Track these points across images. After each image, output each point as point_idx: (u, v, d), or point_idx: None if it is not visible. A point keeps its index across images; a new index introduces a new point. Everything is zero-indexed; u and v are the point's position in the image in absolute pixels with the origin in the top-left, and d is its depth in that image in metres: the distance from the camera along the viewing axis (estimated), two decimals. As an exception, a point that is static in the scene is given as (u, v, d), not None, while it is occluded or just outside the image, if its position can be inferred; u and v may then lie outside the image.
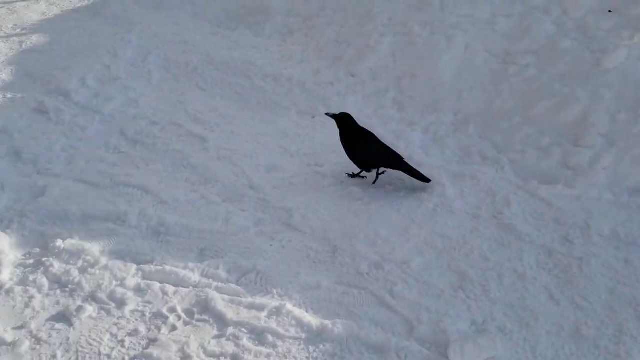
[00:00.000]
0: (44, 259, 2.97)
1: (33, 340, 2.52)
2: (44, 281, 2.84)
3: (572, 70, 4.32)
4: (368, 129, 3.88)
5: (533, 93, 4.34)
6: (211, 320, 2.68)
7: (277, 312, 2.71)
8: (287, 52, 5.78)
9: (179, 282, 2.91)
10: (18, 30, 5.93)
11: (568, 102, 4.18)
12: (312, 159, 4.10)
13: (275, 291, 2.87)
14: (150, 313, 2.71)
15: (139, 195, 3.61)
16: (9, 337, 2.51)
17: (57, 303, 2.73)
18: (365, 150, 3.78)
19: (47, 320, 2.64)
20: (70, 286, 2.82)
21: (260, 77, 5.30)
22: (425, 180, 3.73)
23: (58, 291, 2.80)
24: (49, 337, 2.54)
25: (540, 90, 4.33)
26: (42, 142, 4.00)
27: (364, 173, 3.88)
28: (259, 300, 2.79)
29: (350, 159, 3.82)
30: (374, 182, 3.85)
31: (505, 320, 2.76)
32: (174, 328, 2.63)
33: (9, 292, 2.77)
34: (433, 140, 4.31)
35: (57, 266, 2.92)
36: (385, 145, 3.84)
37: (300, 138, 4.36)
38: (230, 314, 2.70)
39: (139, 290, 2.83)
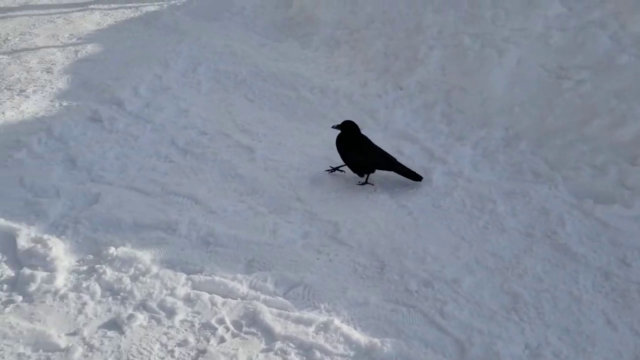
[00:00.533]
0: (97, 266, 3.02)
1: (85, 347, 2.55)
2: (97, 288, 2.89)
3: (629, 87, 4.19)
4: (367, 137, 3.97)
5: (588, 109, 4.22)
6: (259, 334, 2.68)
7: (325, 327, 2.69)
8: (334, 64, 5.79)
9: (228, 293, 2.92)
10: (74, 40, 6.12)
11: (625, 119, 4.04)
12: (359, 172, 4.07)
13: (322, 306, 2.85)
14: (199, 323, 2.72)
15: (189, 204, 3.65)
16: (63, 342, 2.55)
17: (109, 310, 2.77)
18: (361, 156, 3.86)
19: (99, 327, 2.67)
20: (122, 294, 2.86)
21: (307, 88, 5.32)
22: (418, 178, 3.85)
23: (110, 298, 2.84)
24: (101, 344, 2.57)
25: (596, 106, 4.20)
26: (96, 150, 4.09)
27: (343, 168, 3.98)
28: (306, 314, 2.77)
29: (346, 163, 3.92)
30: (363, 184, 3.92)
31: (561, 345, 2.67)
32: (222, 340, 2.63)
33: (63, 297, 2.82)
34: (483, 156, 4.23)
35: (109, 273, 2.97)
36: (382, 151, 3.91)
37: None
38: (278, 327, 2.69)
39: (188, 300, 2.85)
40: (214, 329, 2.69)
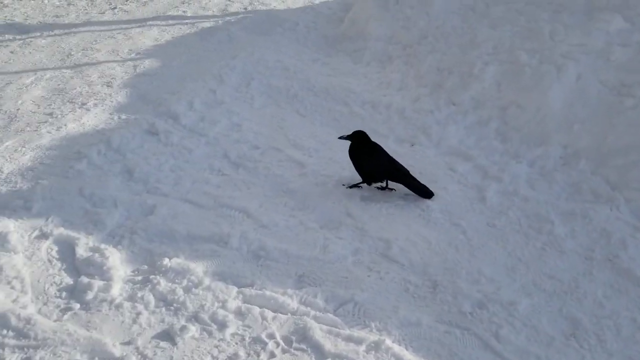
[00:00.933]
0: (151, 277, 3.08)
1: (139, 356, 2.59)
2: (151, 298, 2.94)
3: (697, 104, 4.00)
4: (379, 144, 3.99)
5: (653, 128, 4.05)
6: (309, 350, 2.66)
7: (376, 347, 2.64)
8: (386, 79, 5.76)
9: (278, 308, 2.91)
10: (133, 55, 6.32)
11: (692, 138, 3.86)
12: (411, 188, 4.02)
13: (373, 325, 2.81)
14: (249, 337, 2.72)
15: (241, 217, 3.68)
16: (117, 352, 2.60)
17: (163, 321, 2.81)
18: (371, 163, 3.87)
19: (153, 337, 2.72)
20: (175, 305, 2.90)
21: (358, 104, 5.31)
22: (428, 195, 3.81)
23: (163, 309, 2.88)
24: (154, 354, 2.61)
25: (661, 125, 4.03)
26: (152, 162, 4.19)
27: (362, 185, 4.00)
28: (357, 333, 2.74)
29: (357, 171, 3.93)
30: (383, 189, 3.97)
31: (625, 376, 2.54)
32: (272, 355, 2.63)
33: (118, 307, 2.88)
34: (540, 174, 4.11)
35: (163, 284, 3.02)
36: (392, 159, 3.91)
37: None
38: (328, 345, 2.66)
39: (239, 314, 2.86)
40: (264, 344, 2.69)
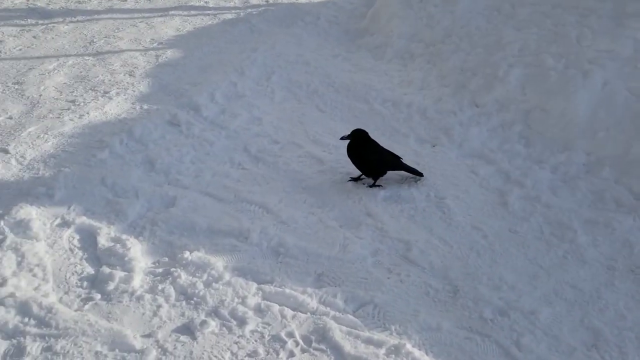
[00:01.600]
0: (172, 269, 3.08)
1: (159, 350, 2.60)
2: (172, 291, 2.94)
3: None
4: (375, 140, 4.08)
5: (680, 138, 3.99)
6: (328, 351, 2.65)
7: (396, 351, 2.63)
8: (407, 77, 5.73)
9: (298, 307, 2.91)
10: (155, 45, 6.33)
11: None
12: (432, 190, 3.99)
13: (393, 328, 2.79)
14: (269, 335, 2.72)
15: (260, 213, 3.68)
16: (138, 344, 2.61)
17: (183, 315, 2.82)
18: (377, 158, 3.98)
19: (173, 331, 2.72)
20: (195, 299, 2.90)
21: (379, 101, 5.28)
22: (420, 174, 4.04)
23: (184, 303, 2.89)
24: (174, 348, 2.61)
25: (689, 135, 3.97)
26: (174, 153, 4.19)
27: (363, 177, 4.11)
28: (377, 335, 2.72)
29: (360, 168, 4.01)
30: (372, 186, 4.01)
31: (647, 391, 2.51)
32: (291, 354, 2.62)
33: (139, 298, 2.89)
34: (563, 181, 4.06)
35: (184, 278, 3.02)
36: (387, 150, 4.06)
37: (419, 167, 4.26)
38: (347, 346, 2.65)
39: (259, 311, 2.85)
40: (283, 342, 2.69)
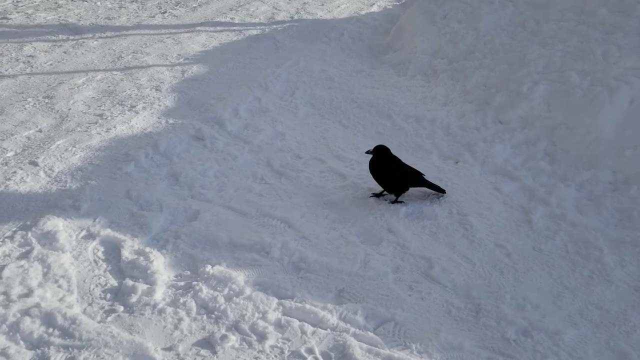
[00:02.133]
0: (193, 283, 3.11)
1: (180, 363, 2.62)
2: (193, 305, 2.96)
3: None
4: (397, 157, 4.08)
5: None
6: (348, 368, 2.63)
7: (417, 369, 2.61)
8: (430, 93, 5.72)
9: (318, 323, 2.90)
10: (181, 60, 6.44)
11: None
12: (454, 206, 3.96)
13: (414, 346, 2.77)
14: (288, 351, 2.72)
15: (282, 228, 3.69)
16: (159, 357, 2.63)
17: (203, 329, 2.83)
18: (399, 175, 3.99)
19: (193, 344, 2.74)
20: (216, 313, 2.92)
21: (402, 117, 5.28)
22: (443, 191, 4.03)
23: (205, 316, 2.90)
24: (195, 362, 2.63)
25: None
26: (198, 167, 4.24)
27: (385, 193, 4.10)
28: (397, 354, 2.70)
29: (381, 183, 4.01)
30: (394, 202, 4.02)
31: (676, 418, 2.44)
32: (311, 371, 2.62)
33: (161, 311, 2.91)
34: (588, 199, 4.00)
35: (205, 291, 3.04)
36: (410, 167, 4.06)
37: (442, 183, 4.24)
38: (367, 364, 2.64)
39: (279, 326, 2.86)
40: (303, 358, 2.68)
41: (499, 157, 4.50)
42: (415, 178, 4.02)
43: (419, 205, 3.94)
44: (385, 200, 4.05)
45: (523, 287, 3.19)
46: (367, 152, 4.03)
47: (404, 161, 4.09)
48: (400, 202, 4.03)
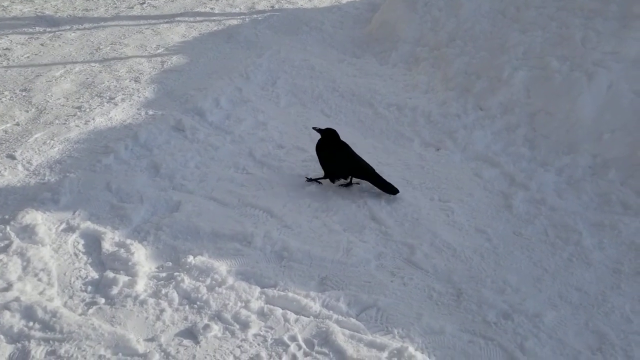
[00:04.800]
0: (175, 274, 3.09)
1: (162, 354, 2.60)
2: (175, 296, 2.95)
3: None
4: (347, 144, 4.07)
5: (687, 140, 3.96)
6: (331, 354, 2.64)
7: (399, 354, 2.62)
8: (412, 81, 5.73)
9: (300, 310, 2.90)
10: (160, 50, 6.37)
11: None
12: (436, 193, 3.99)
13: (396, 331, 2.78)
14: (271, 339, 2.72)
15: (264, 217, 3.68)
16: (141, 348, 2.62)
17: (186, 319, 2.82)
18: (336, 162, 3.99)
19: (176, 335, 2.72)
20: (198, 303, 2.91)
21: (383, 105, 5.28)
22: (393, 191, 3.86)
23: (187, 307, 2.89)
24: (177, 352, 2.62)
25: (696, 137, 3.94)
26: (178, 158, 4.21)
27: (322, 180, 4.10)
28: (379, 339, 2.72)
29: (322, 167, 4.05)
30: (347, 185, 4.06)
31: (653, 395, 2.49)
32: (294, 358, 2.62)
33: (142, 303, 2.89)
34: (568, 184, 4.05)
35: (187, 282, 3.03)
36: (357, 159, 3.99)
37: (423, 170, 4.27)
38: (350, 350, 2.65)
39: (262, 315, 2.85)
40: (286, 346, 2.68)
41: (480, 143, 4.53)
42: (356, 169, 3.96)
43: (401, 192, 3.95)
44: (348, 185, 4.08)
45: (503, 271, 3.23)
46: (315, 129, 4.10)
47: (382, 150, 4.08)
48: (352, 184, 4.06)
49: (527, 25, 5.40)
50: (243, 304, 2.92)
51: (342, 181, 4.08)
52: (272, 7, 8.15)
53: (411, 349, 2.63)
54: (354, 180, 4.08)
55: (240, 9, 8.04)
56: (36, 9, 7.70)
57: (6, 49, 6.32)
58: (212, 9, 7.95)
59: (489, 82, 5.03)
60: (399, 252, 3.40)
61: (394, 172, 4.24)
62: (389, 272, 3.23)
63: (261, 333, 2.76)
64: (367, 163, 4.00)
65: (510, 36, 5.35)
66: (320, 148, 4.07)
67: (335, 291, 3.05)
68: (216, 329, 2.76)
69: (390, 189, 3.88)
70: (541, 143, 4.42)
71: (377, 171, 3.97)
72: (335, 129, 4.14)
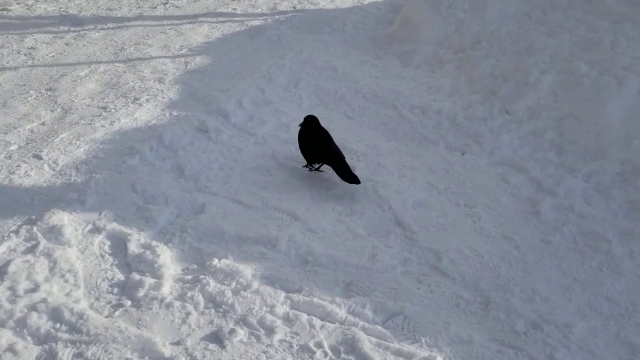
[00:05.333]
0: (200, 277, 3.08)
1: (188, 358, 2.60)
2: (200, 299, 2.94)
3: None
4: (325, 131, 4.19)
5: None
6: (357, 362, 2.62)
7: (427, 363, 2.59)
8: (436, 83, 5.67)
9: (326, 316, 2.88)
10: (184, 51, 6.38)
11: None
12: (461, 198, 3.94)
13: (423, 340, 2.75)
14: (297, 345, 2.70)
15: (288, 220, 3.66)
16: (167, 352, 2.61)
17: (211, 323, 2.81)
18: (312, 144, 4.09)
19: (202, 339, 2.72)
20: (224, 307, 2.90)
21: (407, 108, 5.23)
22: (353, 181, 3.86)
23: (212, 310, 2.88)
24: (203, 357, 2.61)
25: None
26: (203, 160, 4.20)
27: (322, 168, 4.19)
28: (407, 347, 2.69)
29: (302, 153, 4.16)
30: (311, 170, 4.20)
31: (689, 411, 2.43)
32: (320, 365, 2.60)
33: (168, 306, 2.89)
34: (596, 190, 3.98)
35: (212, 285, 3.02)
36: (330, 144, 4.07)
37: (448, 175, 4.22)
38: (377, 358, 2.62)
39: (287, 320, 2.84)
40: (312, 352, 2.66)
41: (506, 148, 4.46)
42: (327, 155, 4.01)
43: (427, 196, 3.91)
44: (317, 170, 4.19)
45: (532, 280, 3.17)
46: (299, 125, 4.25)
47: (406, 153, 4.05)
48: (319, 170, 4.17)
49: (554, 28, 5.32)
50: (268, 309, 2.90)
51: (315, 165, 4.19)
52: (294, 7, 8.14)
53: (439, 359, 2.60)
54: (322, 167, 4.20)
55: (262, 9, 8.04)
56: (60, 8, 7.77)
57: (31, 48, 6.37)
58: (234, 9, 7.95)
59: (515, 85, 4.96)
60: (424, 258, 3.36)
61: (418, 176, 4.20)
62: (415, 278, 3.20)
63: (287, 339, 2.74)
64: (339, 151, 4.06)
65: (537, 39, 5.27)
66: (300, 135, 4.18)
67: (360, 297, 3.02)
68: (242, 333, 2.74)
69: (351, 179, 3.89)
70: (569, 148, 4.35)
71: (346, 161, 4.05)
72: (316, 115, 4.30)
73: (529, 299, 3.02)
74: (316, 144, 4.09)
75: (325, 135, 4.15)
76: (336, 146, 4.10)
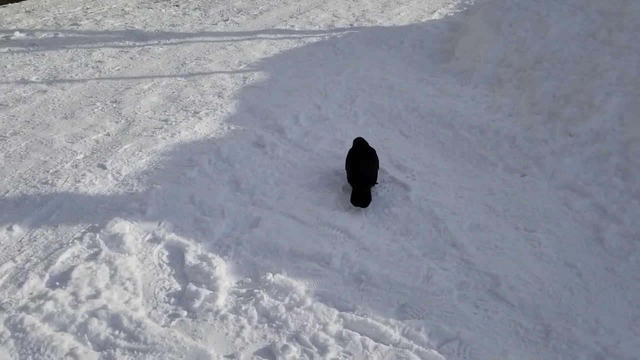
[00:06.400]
0: (255, 290, 3.11)
1: (242, 372, 2.61)
2: (254, 313, 2.96)
3: None
4: (372, 151, 4.27)
5: None
6: (412, 386, 2.57)
7: (483, 392, 2.51)
8: (495, 103, 5.56)
9: (379, 337, 2.84)
10: (243, 67, 6.52)
11: None
12: (521, 222, 3.83)
13: (480, 367, 2.67)
14: (350, 365, 2.67)
15: (342, 238, 3.65)
16: (221, 364, 2.64)
17: (264, 337, 2.82)
18: (347, 167, 4.17)
19: (255, 353, 2.73)
20: (277, 322, 2.90)
21: (465, 127, 5.15)
22: (357, 203, 3.90)
23: (266, 325, 2.89)
24: (256, 371, 2.62)
25: None
26: (259, 174, 4.26)
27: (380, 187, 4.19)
28: (463, 374, 2.61)
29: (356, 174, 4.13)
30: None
31: None
32: (373, 387, 2.56)
33: (223, 318, 2.92)
34: (666, 219, 3.78)
35: (266, 300, 3.04)
36: (359, 169, 4.10)
37: (507, 197, 4.11)
38: (431, 383, 2.56)
39: (340, 339, 2.81)
40: (365, 374, 2.63)
41: (569, 171, 4.32)
42: (350, 178, 4.09)
43: (485, 218, 3.82)
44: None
45: (595, 310, 3.04)
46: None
47: (462, 174, 4.02)
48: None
49: (621, 49, 5.14)
50: (321, 327, 2.89)
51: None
52: (352, 25, 8.19)
53: (497, 388, 2.52)
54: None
55: (320, 26, 8.13)
56: (126, 23, 8.09)
57: (99, 61, 6.65)
58: (292, 26, 8.08)
59: (579, 107, 4.81)
60: (482, 282, 3.28)
61: (476, 197, 4.11)
62: (471, 303, 3.12)
63: (339, 358, 2.71)
64: (363, 176, 4.06)
65: (602, 60, 5.10)
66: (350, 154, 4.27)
67: (415, 320, 2.97)
68: (294, 350, 2.74)
69: (356, 201, 3.92)
70: (635, 174, 4.16)
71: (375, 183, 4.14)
72: (363, 137, 4.40)
73: (592, 330, 2.89)
74: (350, 165, 4.18)
75: (363, 158, 4.20)
76: (368, 170, 4.13)
